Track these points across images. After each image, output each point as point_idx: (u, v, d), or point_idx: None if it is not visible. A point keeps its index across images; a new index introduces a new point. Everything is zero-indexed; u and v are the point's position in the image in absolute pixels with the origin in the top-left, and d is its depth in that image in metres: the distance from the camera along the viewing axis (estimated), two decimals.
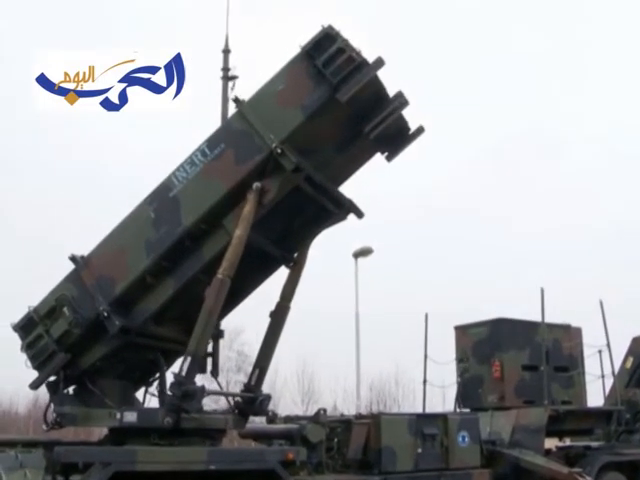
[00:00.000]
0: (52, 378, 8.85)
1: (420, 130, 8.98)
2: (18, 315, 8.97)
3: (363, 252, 23.71)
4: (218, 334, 9.97)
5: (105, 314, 8.47)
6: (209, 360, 9.77)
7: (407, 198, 54.46)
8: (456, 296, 38.48)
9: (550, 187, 58.45)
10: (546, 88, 61.37)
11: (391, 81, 8.66)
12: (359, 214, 9.65)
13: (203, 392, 8.28)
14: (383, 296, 40.28)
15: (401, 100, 8.54)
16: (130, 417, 8.31)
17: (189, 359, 8.02)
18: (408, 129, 8.99)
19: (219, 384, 9.95)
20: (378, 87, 8.44)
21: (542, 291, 13.07)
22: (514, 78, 62.31)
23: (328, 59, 8.06)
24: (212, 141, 8.51)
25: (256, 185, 8.22)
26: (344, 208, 9.49)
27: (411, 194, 53.94)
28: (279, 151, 8.11)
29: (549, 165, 63.78)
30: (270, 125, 8.26)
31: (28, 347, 8.82)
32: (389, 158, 9.19)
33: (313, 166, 8.66)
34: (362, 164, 9.50)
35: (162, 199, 8.63)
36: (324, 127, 8.46)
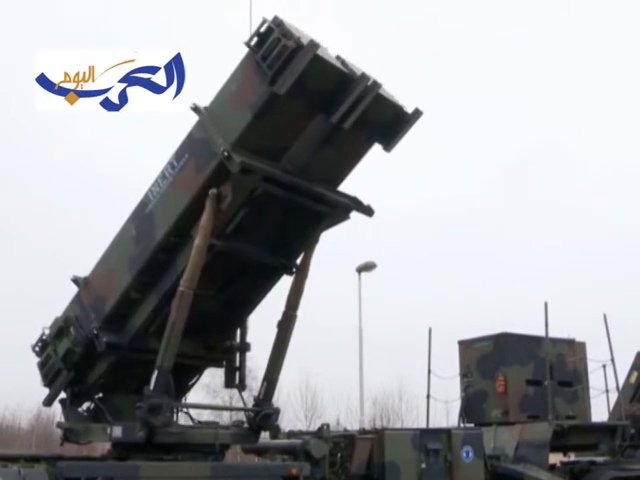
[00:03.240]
0: (65, 395, 9.08)
1: (417, 114, 8.48)
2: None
3: (366, 267, 23.65)
4: (244, 347, 9.84)
5: (95, 332, 8.63)
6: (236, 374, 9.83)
7: (414, 214, 54.67)
8: (460, 311, 38.50)
9: (556, 202, 58.71)
10: (561, 106, 61.84)
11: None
12: (368, 212, 9.10)
13: (169, 406, 8.17)
14: (387, 311, 40.29)
15: (367, 83, 7.95)
16: (117, 432, 8.34)
17: (156, 372, 7.97)
18: (404, 114, 8.50)
19: (242, 398, 9.77)
20: (331, 73, 7.86)
21: (546, 305, 13.04)
22: (530, 97, 62.78)
23: (266, 51, 7.64)
24: (178, 153, 8.43)
25: (212, 192, 7.98)
26: (339, 207, 8.97)
27: (419, 210, 54.21)
28: (225, 154, 7.79)
29: (556, 181, 64.07)
30: (223, 129, 8.01)
31: (41, 366, 9.12)
32: (387, 148, 8.71)
33: (290, 166, 8.33)
34: (358, 157, 8.89)
35: (141, 216, 8.70)
36: (284, 123, 8.03)
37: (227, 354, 9.80)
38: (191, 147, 8.34)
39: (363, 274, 23.85)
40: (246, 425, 9.19)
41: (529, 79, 63.18)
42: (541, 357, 13.33)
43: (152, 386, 7.92)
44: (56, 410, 9.39)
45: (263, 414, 9.02)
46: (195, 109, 8.22)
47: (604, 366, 13.70)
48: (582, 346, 14.37)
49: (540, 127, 62.90)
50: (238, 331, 9.85)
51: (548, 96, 64.00)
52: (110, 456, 8.86)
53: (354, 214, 9.23)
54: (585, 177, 63.57)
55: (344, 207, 9.01)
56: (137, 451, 8.30)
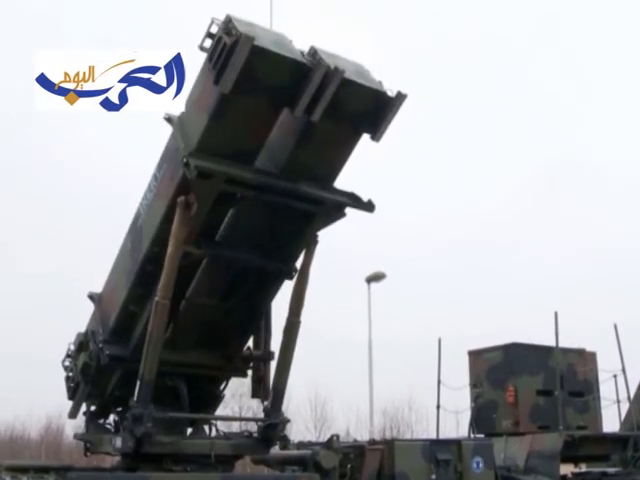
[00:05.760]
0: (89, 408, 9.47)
1: (400, 97, 7.96)
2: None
3: (376, 277, 23.59)
4: (268, 357, 9.55)
5: (99, 345, 8.79)
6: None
7: (426, 226, 54.75)
8: (469, 321, 38.38)
9: (567, 212, 58.72)
10: (575, 117, 61.83)
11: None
12: (368, 208, 8.56)
13: (150, 416, 8.01)
14: (396, 321, 40.19)
15: (327, 71, 7.43)
16: (118, 442, 8.36)
17: (138, 383, 7.95)
18: (388, 99, 7.99)
19: (264, 408, 9.54)
20: (283, 64, 7.44)
21: (556, 315, 13.02)
22: (549, 111, 62.79)
23: (213, 51, 7.38)
24: (159, 164, 8.47)
25: (180, 199, 7.87)
26: (328, 205, 8.47)
27: (431, 222, 54.21)
28: (184, 160, 7.59)
29: (567, 191, 64.02)
30: (187, 135, 7.85)
31: (66, 380, 9.55)
32: (374, 137, 8.20)
33: (273, 166, 8.14)
34: (347, 150, 8.40)
35: (134, 230, 8.83)
36: (245, 122, 7.73)
37: (249, 363, 9.66)
38: (167, 157, 8.37)
39: (373, 284, 23.81)
40: (255, 435, 9.14)
41: (554, 92, 63.14)
42: (551, 367, 13.31)
43: (135, 397, 7.92)
44: (66, 421, 9.57)
45: (268, 424, 8.90)
46: (167, 119, 8.18)
47: (615, 376, 13.67)
48: (593, 356, 14.34)
49: (557, 139, 62.81)
50: (263, 340, 9.61)
51: (564, 108, 63.98)
52: (119, 467, 8.87)
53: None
54: (596, 187, 63.34)
55: (335, 204, 8.53)
56: (147, 462, 8.28)
